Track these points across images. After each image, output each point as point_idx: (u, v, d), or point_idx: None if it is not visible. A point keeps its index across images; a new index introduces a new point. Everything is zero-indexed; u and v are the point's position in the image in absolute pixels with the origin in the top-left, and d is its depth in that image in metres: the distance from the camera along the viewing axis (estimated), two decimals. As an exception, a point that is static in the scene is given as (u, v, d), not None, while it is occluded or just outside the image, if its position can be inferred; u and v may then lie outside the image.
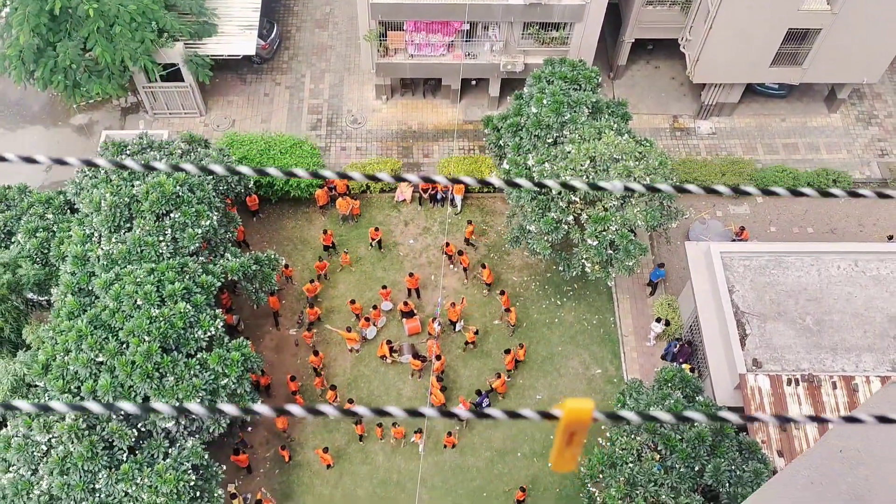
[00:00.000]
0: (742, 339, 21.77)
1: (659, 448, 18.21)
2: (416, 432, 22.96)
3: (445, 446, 23.24)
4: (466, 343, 24.76)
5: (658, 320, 24.77)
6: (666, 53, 31.51)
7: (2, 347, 21.61)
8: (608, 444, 19.57)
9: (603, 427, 21.52)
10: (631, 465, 18.36)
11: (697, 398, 19.19)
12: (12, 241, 22.16)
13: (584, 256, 22.37)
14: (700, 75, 28.83)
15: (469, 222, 26.65)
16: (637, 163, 21.82)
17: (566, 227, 22.31)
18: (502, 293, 25.06)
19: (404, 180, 3.32)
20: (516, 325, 25.23)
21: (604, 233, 21.54)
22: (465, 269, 26.05)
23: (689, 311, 24.34)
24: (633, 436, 18.68)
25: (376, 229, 26.26)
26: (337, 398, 23.64)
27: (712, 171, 28.29)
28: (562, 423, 2.00)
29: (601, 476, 18.83)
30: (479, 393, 23.28)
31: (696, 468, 17.83)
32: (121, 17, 25.27)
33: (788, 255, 23.32)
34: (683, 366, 22.98)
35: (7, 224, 22.27)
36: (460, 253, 25.94)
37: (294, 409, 2.63)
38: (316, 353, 23.67)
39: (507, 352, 24.02)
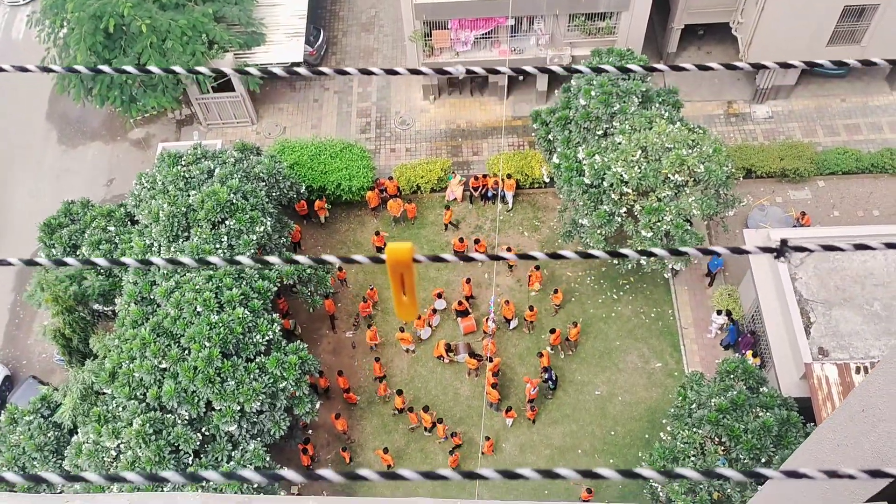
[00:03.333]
0: (807, 327, 21.07)
1: (723, 440, 17.76)
2: (486, 439, 22.82)
3: (483, 453, 23.06)
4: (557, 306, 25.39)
5: (719, 312, 24.18)
6: (717, 38, 30.76)
7: (71, 357, 22.35)
8: (669, 437, 19.18)
9: (664, 421, 21.11)
10: (694, 458, 17.96)
11: (762, 389, 18.65)
12: (77, 253, 22.90)
13: (639, 248, 21.95)
14: (754, 59, 28.04)
15: (447, 207, 26.78)
16: (690, 150, 21.36)
17: (619, 219, 21.97)
18: (537, 268, 25.27)
19: (419, 72, 3.26)
20: (561, 305, 25.20)
21: (658, 224, 21.13)
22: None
23: (751, 300, 23.69)
24: (695, 429, 18.26)
25: (377, 233, 26.05)
26: (405, 403, 23.52)
27: (770, 155, 27.48)
28: (388, 266, 2.04)
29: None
30: (546, 370, 23.33)
31: (763, 460, 17.32)
32: (172, 32, 25.89)
33: (853, 240, 22.47)
34: (747, 353, 22.39)
35: (72, 237, 23.03)
36: (477, 241, 26.14)
37: (299, 258, 2.79)
38: (377, 359, 24.08)
39: (553, 331, 24.11)
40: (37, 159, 30.35)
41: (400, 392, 23.25)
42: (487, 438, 22.83)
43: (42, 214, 24.06)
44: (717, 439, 18.13)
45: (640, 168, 21.25)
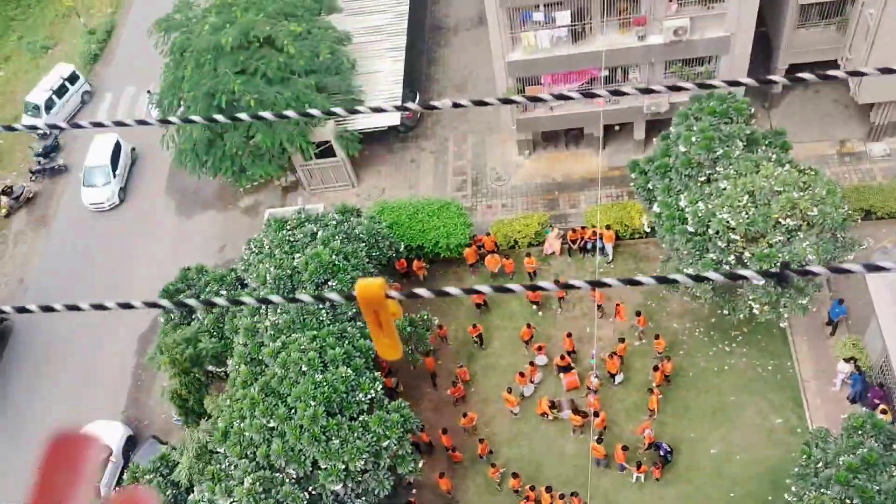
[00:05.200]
0: (945, 378, 19.33)
1: (854, 502, 16.33)
2: (572, 495, 21.97)
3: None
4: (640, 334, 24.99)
5: (847, 360, 22.56)
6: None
7: (188, 417, 23.25)
8: (795, 499, 17.84)
9: (788, 481, 19.69)
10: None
11: (895, 445, 17.14)
12: (193, 317, 24.03)
13: (751, 297, 20.95)
14: (866, 95, 26.73)
15: (528, 255, 26.58)
16: (802, 193, 20.36)
17: (728, 268, 21.06)
18: (638, 314, 24.66)
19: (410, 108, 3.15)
20: (662, 353, 24.16)
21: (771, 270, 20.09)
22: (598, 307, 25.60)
23: (878, 349, 22.03)
24: (822, 490, 16.91)
25: (474, 326, 25.69)
26: (520, 484, 22.62)
27: (890, 195, 25.86)
28: (360, 304, 1.79)
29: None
30: (657, 447, 22.39)
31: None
32: (278, 104, 27.28)
33: None
34: (878, 409, 20.72)
35: (188, 302, 24.16)
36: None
37: (421, 291, 2.61)
38: (482, 440, 23.53)
39: (655, 368, 23.48)
40: (158, 230, 32.33)
41: (516, 475, 22.38)
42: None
43: (163, 281, 25.41)
44: (847, 501, 16.70)
45: (747, 213, 20.38)
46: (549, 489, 21.73)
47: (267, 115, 2.03)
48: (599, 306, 25.51)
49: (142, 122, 3.74)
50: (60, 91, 36.33)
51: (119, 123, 3.09)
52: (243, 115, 1.75)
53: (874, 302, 21.40)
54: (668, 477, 22.69)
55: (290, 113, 2.58)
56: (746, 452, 22.66)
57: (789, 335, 24.51)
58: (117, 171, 33.34)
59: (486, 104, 2.78)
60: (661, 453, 22.29)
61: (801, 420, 22.95)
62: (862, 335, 23.41)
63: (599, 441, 22.33)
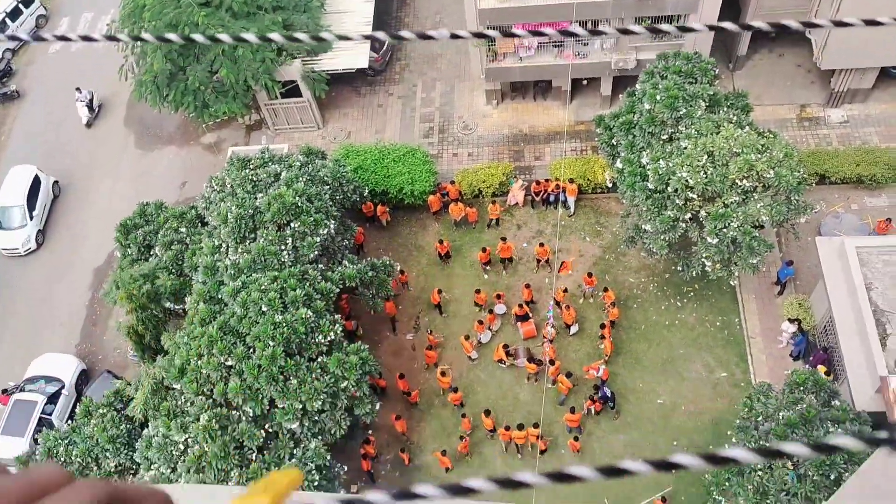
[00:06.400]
0: (882, 339, 20.24)
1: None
2: (539, 438, 22.63)
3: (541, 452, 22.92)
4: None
5: (791, 321, 23.43)
6: (790, 40, 29.90)
7: (144, 353, 23.19)
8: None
9: (729, 433, 20.59)
10: (761, 473, 17.45)
11: (833, 402, 18.00)
12: (151, 253, 23.77)
13: (704, 255, 21.51)
14: (829, 61, 27.14)
15: (493, 202, 26.68)
16: (759, 155, 20.79)
17: (684, 225, 21.55)
18: (590, 275, 25.12)
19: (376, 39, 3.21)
20: (614, 302, 24.74)
21: (724, 230, 20.64)
22: (543, 261, 26.09)
23: (823, 310, 22.90)
24: (762, 443, 17.74)
25: (441, 242, 26.31)
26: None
27: (845, 161, 26.52)
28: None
29: (727, 484, 18.01)
30: (597, 388, 23.08)
31: (833, 476, 16.71)
32: (243, 40, 26.62)
33: (935, 249, 21.50)
34: (819, 367, 21.64)
35: (147, 238, 23.90)
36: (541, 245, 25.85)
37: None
38: (455, 390, 23.74)
39: (602, 326, 24.02)
40: (115, 163, 31.63)
41: (488, 413, 22.68)
42: (541, 437, 22.53)
43: (120, 215, 25.01)
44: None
45: (706, 173, 20.79)
46: (520, 427, 22.39)
47: (224, 37, 1.98)
48: (547, 260, 25.89)
49: (112, 38, 3.35)
50: (14, 14, 34.96)
51: (86, 38, 2.84)
52: (198, 37, 1.75)
53: (822, 265, 22.13)
54: (615, 424, 23.48)
55: (248, 36, 2.42)
56: (692, 404, 23.55)
57: (738, 293, 25.29)
58: (35, 212, 29.08)
59: (458, 37, 2.74)
60: (600, 395, 22.97)
61: (745, 374, 23.87)
62: (808, 295, 24.28)
63: (568, 375, 22.99)
